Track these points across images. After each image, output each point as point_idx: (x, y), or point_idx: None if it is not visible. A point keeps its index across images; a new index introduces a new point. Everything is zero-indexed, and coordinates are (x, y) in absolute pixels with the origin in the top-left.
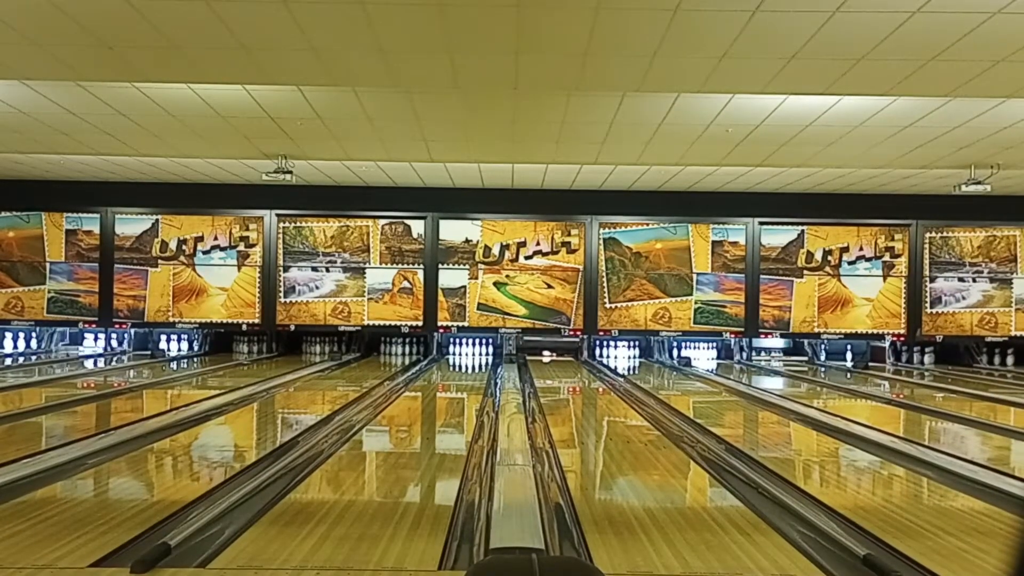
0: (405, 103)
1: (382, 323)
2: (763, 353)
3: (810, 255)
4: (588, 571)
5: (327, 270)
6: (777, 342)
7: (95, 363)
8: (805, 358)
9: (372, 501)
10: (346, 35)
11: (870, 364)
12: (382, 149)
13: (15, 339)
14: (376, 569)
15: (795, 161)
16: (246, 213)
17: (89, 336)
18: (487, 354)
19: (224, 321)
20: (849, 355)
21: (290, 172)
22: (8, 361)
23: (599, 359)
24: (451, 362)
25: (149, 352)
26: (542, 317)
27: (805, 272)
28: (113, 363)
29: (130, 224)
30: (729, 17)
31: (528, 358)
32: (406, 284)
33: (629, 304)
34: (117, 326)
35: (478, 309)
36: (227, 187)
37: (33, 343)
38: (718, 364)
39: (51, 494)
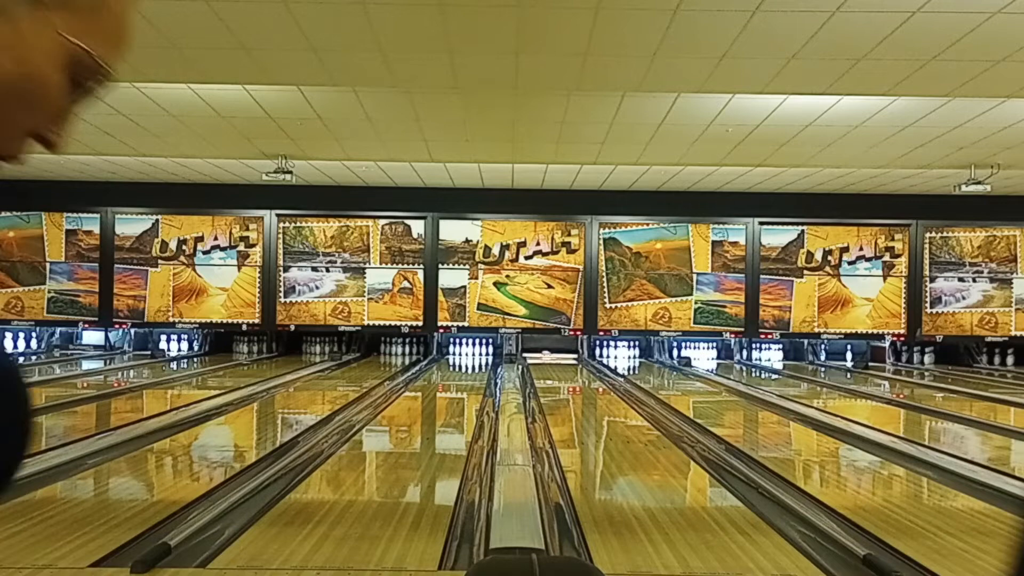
0: (405, 103)
1: (382, 323)
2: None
3: (810, 255)
4: (588, 571)
5: (327, 270)
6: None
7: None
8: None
9: (372, 501)
10: (346, 35)
11: (870, 364)
12: (382, 149)
13: (15, 339)
14: (376, 569)
15: (795, 161)
16: (246, 213)
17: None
18: (487, 354)
19: (224, 321)
20: (849, 355)
21: (290, 172)
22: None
23: (599, 359)
24: (451, 362)
25: (149, 352)
26: (542, 317)
27: (805, 272)
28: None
29: (130, 224)
30: (729, 17)
31: (527, 357)
32: (406, 284)
33: (629, 304)
34: (117, 326)
35: (478, 309)
36: (227, 187)
37: (33, 343)
38: (718, 364)
39: (51, 494)
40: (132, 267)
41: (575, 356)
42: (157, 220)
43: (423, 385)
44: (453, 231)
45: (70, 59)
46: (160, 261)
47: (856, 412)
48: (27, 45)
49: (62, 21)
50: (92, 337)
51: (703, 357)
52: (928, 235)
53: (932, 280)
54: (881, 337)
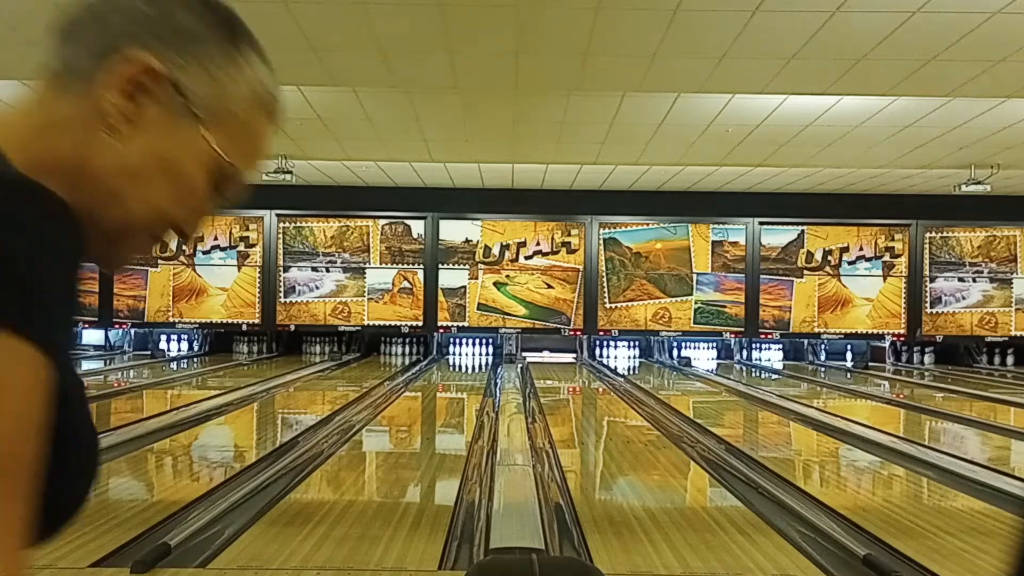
0: (405, 103)
1: (382, 323)
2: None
3: (810, 255)
4: (588, 571)
5: (327, 270)
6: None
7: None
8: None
9: (372, 501)
10: (346, 35)
11: (870, 364)
12: (382, 149)
13: None
14: (376, 569)
15: (795, 161)
16: (246, 213)
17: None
18: (487, 354)
19: (224, 321)
20: (849, 355)
21: (290, 172)
22: None
23: (599, 359)
24: (451, 362)
25: (149, 352)
26: (542, 317)
27: (805, 272)
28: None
29: None
30: (729, 17)
31: (527, 356)
32: (406, 284)
33: (629, 304)
34: (117, 326)
35: (478, 309)
36: None
37: None
38: (718, 364)
39: None
40: (132, 267)
41: (575, 356)
42: None
43: (423, 385)
44: (453, 231)
45: (214, 166)
46: (160, 261)
47: (856, 412)
48: (184, 146)
49: (213, 135)
50: (92, 337)
51: (703, 357)
52: (928, 235)
53: (932, 280)
54: (881, 337)
